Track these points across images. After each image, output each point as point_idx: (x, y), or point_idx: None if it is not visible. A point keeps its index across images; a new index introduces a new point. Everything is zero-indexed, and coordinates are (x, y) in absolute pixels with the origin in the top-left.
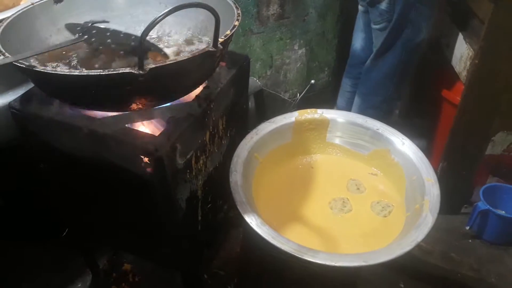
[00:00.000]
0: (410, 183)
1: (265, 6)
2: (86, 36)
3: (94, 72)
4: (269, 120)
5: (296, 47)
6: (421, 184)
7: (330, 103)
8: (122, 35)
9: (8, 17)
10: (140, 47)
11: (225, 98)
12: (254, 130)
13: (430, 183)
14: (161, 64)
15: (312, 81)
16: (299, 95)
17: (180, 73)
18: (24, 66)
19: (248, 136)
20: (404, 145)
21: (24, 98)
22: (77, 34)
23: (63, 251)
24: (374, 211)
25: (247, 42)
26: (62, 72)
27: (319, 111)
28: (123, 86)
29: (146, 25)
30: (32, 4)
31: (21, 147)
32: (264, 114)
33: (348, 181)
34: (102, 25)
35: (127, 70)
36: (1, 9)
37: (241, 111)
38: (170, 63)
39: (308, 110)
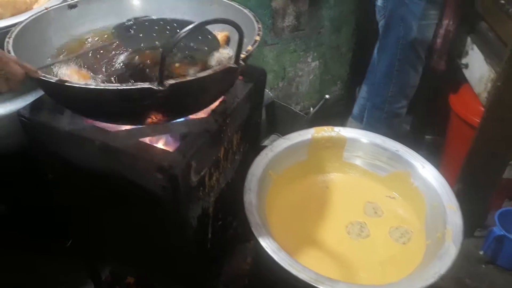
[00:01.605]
0: (430, 209)
1: (281, 18)
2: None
3: (112, 86)
4: (284, 137)
5: (309, 60)
6: (443, 211)
7: (342, 117)
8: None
9: (21, 22)
10: (161, 62)
11: (240, 113)
12: (269, 147)
13: (452, 210)
14: (181, 80)
15: (327, 96)
16: (312, 109)
17: (200, 89)
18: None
19: (263, 153)
20: (424, 169)
21: (33, 106)
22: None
23: (66, 262)
24: (392, 237)
25: (261, 53)
26: (77, 84)
27: (336, 129)
28: (141, 101)
29: (160, 35)
30: (46, 9)
31: (28, 155)
32: (275, 127)
33: (365, 204)
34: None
35: (146, 85)
36: (14, 13)
37: (254, 125)
38: (190, 79)
39: (325, 128)
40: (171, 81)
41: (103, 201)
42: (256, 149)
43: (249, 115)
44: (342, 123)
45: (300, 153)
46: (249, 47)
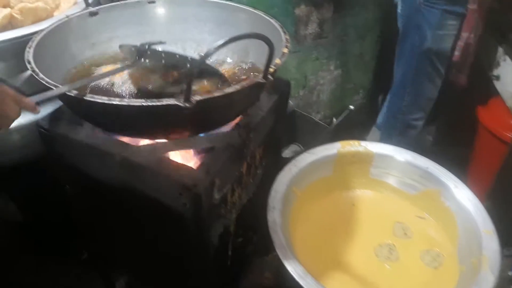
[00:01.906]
0: (464, 232)
1: (303, 25)
2: (136, 61)
3: (136, 103)
4: (309, 151)
5: (332, 68)
6: (478, 235)
7: (364, 126)
8: (177, 56)
9: (42, 30)
10: (189, 78)
11: (264, 126)
12: (293, 162)
13: (489, 235)
14: (208, 96)
15: (351, 107)
16: (335, 120)
17: (226, 105)
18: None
19: (287, 168)
20: (457, 189)
21: (53, 117)
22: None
23: (82, 274)
24: (423, 261)
25: None
26: (100, 100)
27: (363, 143)
28: (166, 117)
29: (182, 43)
30: (67, 17)
31: (46, 165)
32: (294, 136)
33: (394, 224)
34: (158, 47)
35: (172, 102)
36: (35, 21)
37: (276, 138)
38: (217, 96)
39: (351, 142)
40: (198, 98)
41: (120, 215)
42: (277, 161)
43: (272, 128)
44: (364, 133)
45: (325, 168)
46: (277, 61)
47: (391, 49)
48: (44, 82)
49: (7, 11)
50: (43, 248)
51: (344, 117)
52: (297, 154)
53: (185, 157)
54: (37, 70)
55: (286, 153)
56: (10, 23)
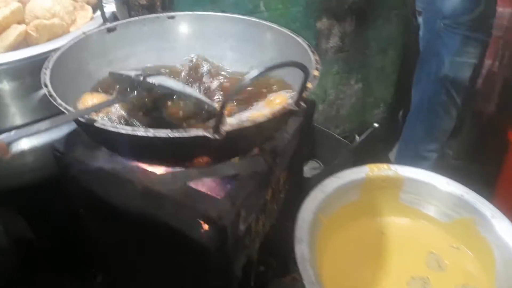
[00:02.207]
0: (503, 266)
1: (325, 39)
2: (134, 94)
3: (162, 134)
4: (335, 175)
5: (352, 82)
6: None
7: (386, 142)
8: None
9: (58, 49)
10: (221, 109)
11: (289, 150)
12: (319, 187)
13: None
14: (238, 127)
15: (375, 125)
16: (358, 138)
17: (256, 133)
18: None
19: (313, 194)
20: (494, 218)
21: (69, 140)
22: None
23: None
24: None
25: None
26: (123, 130)
27: (393, 167)
28: (191, 147)
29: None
30: (84, 33)
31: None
32: (313, 152)
33: (427, 255)
34: (155, 79)
35: (201, 133)
36: (50, 37)
37: (300, 159)
38: (249, 126)
39: (380, 165)
40: (228, 128)
41: (138, 241)
42: (300, 183)
43: (296, 150)
44: (387, 148)
45: (352, 193)
46: (309, 85)
47: (413, 61)
48: (62, 109)
49: (22, 28)
50: (55, 267)
51: (361, 129)
52: (318, 173)
53: (208, 186)
54: (54, 94)
55: (306, 170)
56: (25, 40)
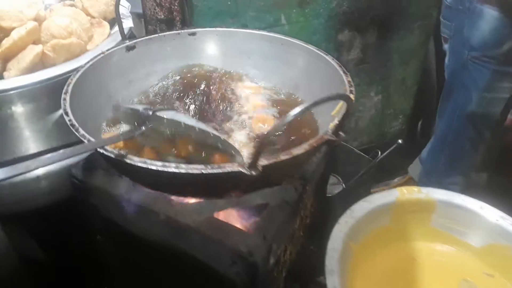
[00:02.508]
0: None
1: (346, 51)
2: (142, 129)
3: (194, 170)
4: (364, 199)
5: (372, 94)
6: None
7: (404, 155)
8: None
9: (77, 70)
10: (259, 146)
11: (317, 174)
12: (349, 212)
13: None
14: (275, 160)
15: (400, 141)
16: (380, 154)
17: (292, 164)
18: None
19: (342, 221)
20: None
21: (87, 166)
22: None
23: None
24: None
25: None
26: (155, 167)
27: (424, 190)
28: (224, 182)
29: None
30: (103, 53)
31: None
32: (334, 169)
33: (460, 282)
34: (165, 114)
35: (236, 168)
36: (68, 58)
37: (326, 181)
38: (286, 159)
39: (410, 188)
40: (264, 162)
41: (157, 272)
42: (323, 203)
43: (323, 173)
44: (407, 162)
45: (382, 218)
46: (343, 110)
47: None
48: (85, 140)
49: (39, 48)
50: None
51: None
52: (340, 191)
53: (236, 217)
54: (76, 124)
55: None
56: (41, 61)
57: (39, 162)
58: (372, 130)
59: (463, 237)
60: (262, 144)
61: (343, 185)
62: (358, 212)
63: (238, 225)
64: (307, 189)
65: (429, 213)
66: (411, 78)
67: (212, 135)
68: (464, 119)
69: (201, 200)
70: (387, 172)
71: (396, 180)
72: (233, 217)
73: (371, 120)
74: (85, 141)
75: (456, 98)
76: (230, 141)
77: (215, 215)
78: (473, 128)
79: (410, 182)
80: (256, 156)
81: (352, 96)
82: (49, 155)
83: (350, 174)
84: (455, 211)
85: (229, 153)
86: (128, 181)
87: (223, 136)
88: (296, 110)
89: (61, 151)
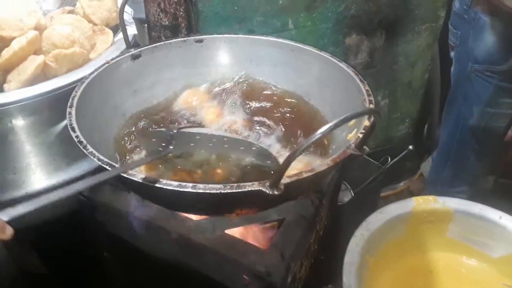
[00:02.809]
0: None
1: (353, 55)
2: (171, 148)
3: (213, 190)
4: (379, 211)
5: (379, 98)
6: None
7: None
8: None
9: (82, 82)
10: (285, 164)
11: (332, 186)
12: (364, 224)
13: None
14: (297, 178)
15: (410, 147)
16: (390, 160)
17: (313, 180)
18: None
19: (358, 233)
20: None
21: None
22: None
23: None
24: None
25: None
26: (171, 187)
27: (440, 199)
28: (243, 201)
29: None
30: (107, 62)
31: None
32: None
33: None
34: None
35: (257, 188)
36: (70, 68)
37: (338, 190)
38: (308, 176)
39: (426, 198)
40: (287, 181)
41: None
42: (334, 212)
43: (336, 183)
44: (411, 164)
45: (398, 229)
46: (366, 123)
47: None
48: (95, 159)
49: (40, 59)
50: None
51: (384, 146)
52: (349, 199)
53: (251, 234)
54: (84, 141)
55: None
56: (43, 71)
57: (62, 193)
58: (379, 134)
59: (481, 248)
60: (288, 163)
61: (351, 192)
62: (374, 224)
63: (254, 243)
64: (324, 202)
65: (445, 223)
66: (417, 81)
67: (244, 142)
68: (468, 131)
69: (215, 216)
70: (393, 176)
71: (402, 183)
72: (248, 234)
73: (378, 124)
74: (94, 159)
75: (459, 109)
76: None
77: (230, 232)
78: (476, 141)
79: (416, 184)
80: (279, 175)
81: (372, 106)
82: (71, 186)
83: (357, 180)
84: (473, 221)
85: (264, 156)
86: (135, 198)
87: (254, 141)
88: (323, 128)
89: (82, 181)
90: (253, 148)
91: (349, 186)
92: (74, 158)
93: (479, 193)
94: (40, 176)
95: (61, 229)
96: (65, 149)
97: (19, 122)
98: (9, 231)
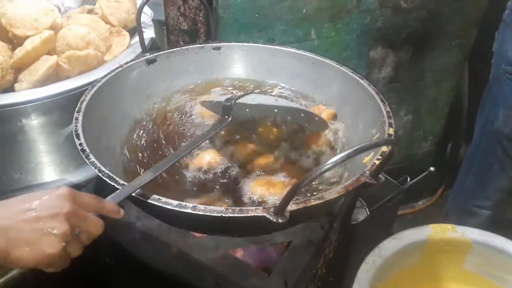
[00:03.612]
0: None
1: (377, 69)
2: (228, 119)
3: (214, 213)
4: (394, 236)
5: (402, 114)
6: None
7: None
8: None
9: (92, 86)
10: (290, 194)
11: (344, 208)
12: (377, 250)
13: None
14: (304, 205)
15: (431, 169)
16: (409, 180)
17: (323, 207)
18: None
19: (369, 259)
20: None
21: (98, 186)
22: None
23: None
24: None
25: None
26: (170, 207)
27: (459, 229)
28: (247, 226)
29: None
30: (121, 66)
31: None
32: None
33: None
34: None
35: (260, 214)
36: (83, 70)
37: (351, 211)
38: (317, 203)
39: (444, 226)
40: (293, 208)
41: None
42: (347, 232)
43: (350, 204)
44: (431, 183)
45: (412, 257)
46: (384, 148)
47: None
48: (96, 171)
49: (53, 60)
50: None
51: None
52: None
53: (255, 256)
54: (87, 150)
55: None
56: (55, 72)
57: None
58: (400, 152)
59: (500, 282)
60: (294, 191)
61: (367, 209)
62: (387, 251)
63: (257, 266)
64: (334, 226)
65: (463, 253)
66: (443, 98)
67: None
68: (492, 137)
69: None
70: (412, 194)
71: (421, 202)
72: (251, 256)
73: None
74: (96, 170)
75: (488, 113)
76: None
77: (232, 252)
78: (501, 148)
79: (436, 204)
80: (285, 203)
81: (391, 131)
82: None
83: (374, 197)
84: (492, 254)
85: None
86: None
87: (304, 107)
88: (335, 158)
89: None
90: (302, 115)
91: (364, 204)
92: (82, 161)
93: (501, 219)
94: (47, 178)
95: None
96: (74, 152)
97: (29, 123)
98: (122, 212)
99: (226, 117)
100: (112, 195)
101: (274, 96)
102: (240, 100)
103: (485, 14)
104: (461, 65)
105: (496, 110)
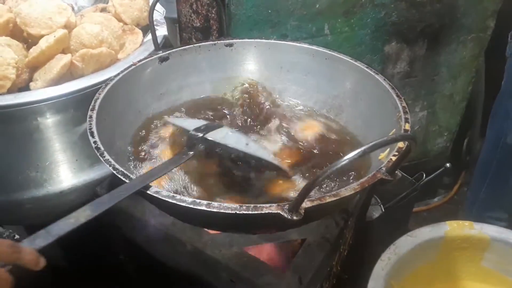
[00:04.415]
0: None
1: (392, 64)
2: (191, 153)
3: (228, 210)
4: (409, 234)
5: (417, 109)
6: None
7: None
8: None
9: (106, 83)
10: (304, 191)
11: (359, 205)
12: (392, 247)
13: None
14: (319, 202)
15: (447, 165)
16: (425, 177)
17: (337, 204)
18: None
19: (385, 257)
20: None
21: (113, 185)
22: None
23: None
24: None
25: None
26: (185, 204)
27: (477, 226)
28: (260, 223)
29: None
30: (134, 64)
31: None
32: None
33: None
34: (216, 134)
35: (275, 211)
36: (97, 68)
37: (366, 207)
38: (332, 200)
39: (461, 223)
40: (308, 205)
41: None
42: (362, 229)
43: (365, 201)
44: (447, 180)
45: (428, 254)
46: (401, 144)
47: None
48: (111, 168)
49: (67, 59)
50: None
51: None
52: (379, 215)
53: (269, 254)
54: (102, 148)
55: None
56: (69, 70)
57: (90, 212)
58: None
59: None
60: (309, 188)
61: (382, 206)
62: (403, 248)
63: (271, 263)
64: (349, 223)
65: (481, 251)
66: (459, 93)
67: (268, 162)
68: (508, 149)
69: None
70: (427, 191)
71: (436, 199)
72: (266, 253)
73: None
74: (110, 168)
75: (502, 125)
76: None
77: (246, 249)
78: None
79: (452, 201)
80: (300, 200)
81: (407, 126)
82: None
83: (389, 194)
84: (508, 250)
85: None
86: (153, 207)
87: (272, 159)
88: (351, 154)
89: (101, 201)
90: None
91: (379, 201)
92: (97, 159)
93: None
94: (62, 176)
95: (78, 230)
96: (89, 150)
97: (44, 121)
98: (41, 263)
99: (189, 152)
100: (37, 233)
101: (248, 137)
102: (210, 134)
103: (502, 6)
104: (478, 59)
105: (508, 123)
